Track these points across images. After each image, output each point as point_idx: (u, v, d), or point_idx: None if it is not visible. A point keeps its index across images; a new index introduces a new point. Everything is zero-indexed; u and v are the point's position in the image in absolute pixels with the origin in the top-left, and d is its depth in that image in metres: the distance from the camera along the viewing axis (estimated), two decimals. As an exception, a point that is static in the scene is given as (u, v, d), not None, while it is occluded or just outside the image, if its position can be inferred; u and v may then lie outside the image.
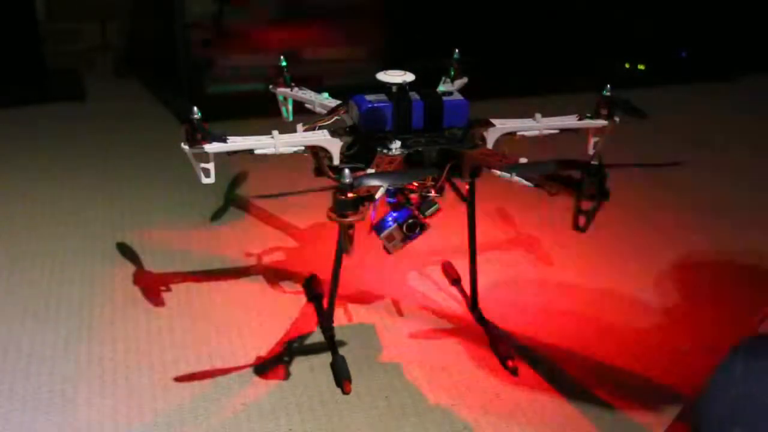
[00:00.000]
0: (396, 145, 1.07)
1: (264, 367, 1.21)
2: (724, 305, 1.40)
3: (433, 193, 1.08)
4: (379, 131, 1.09)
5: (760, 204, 1.82)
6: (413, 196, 1.08)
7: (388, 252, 1.10)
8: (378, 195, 0.97)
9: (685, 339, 1.31)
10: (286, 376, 1.20)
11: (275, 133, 1.09)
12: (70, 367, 1.20)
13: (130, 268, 1.47)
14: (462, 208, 1.23)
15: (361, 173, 0.98)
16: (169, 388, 1.16)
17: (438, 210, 1.09)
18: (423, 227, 1.08)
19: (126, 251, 1.53)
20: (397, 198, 1.09)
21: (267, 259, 1.52)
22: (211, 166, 1.05)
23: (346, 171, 0.91)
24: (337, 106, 1.19)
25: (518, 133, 1.19)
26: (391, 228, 1.07)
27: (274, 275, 1.46)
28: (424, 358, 1.25)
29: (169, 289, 1.41)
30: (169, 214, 1.70)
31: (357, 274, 1.40)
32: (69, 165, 1.94)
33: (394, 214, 1.08)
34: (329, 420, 1.11)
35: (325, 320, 1.25)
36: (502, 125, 1.17)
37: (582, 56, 2.54)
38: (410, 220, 1.07)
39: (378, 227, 1.08)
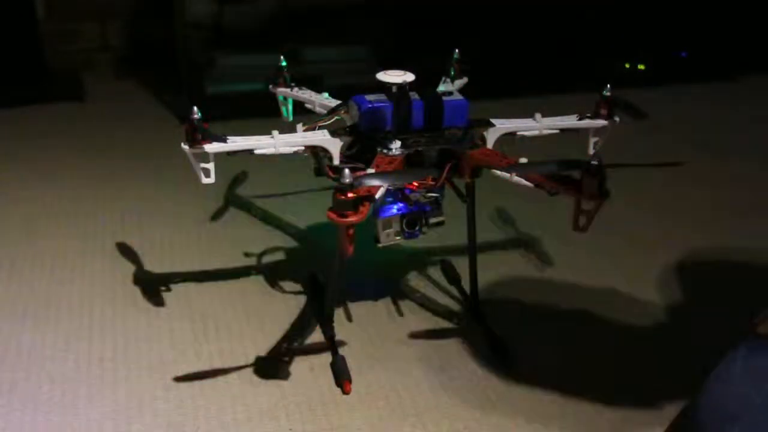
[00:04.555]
0: (396, 145, 1.07)
1: (264, 367, 1.21)
2: (724, 305, 1.40)
3: (433, 194, 1.08)
4: (379, 131, 1.09)
5: (760, 204, 1.82)
6: (413, 196, 1.08)
7: (377, 241, 1.09)
8: (378, 195, 0.97)
9: (686, 338, 1.32)
10: (286, 376, 1.20)
11: (275, 133, 1.09)
12: (70, 367, 1.20)
13: (130, 268, 1.47)
14: (462, 208, 1.23)
15: (361, 173, 0.98)
16: (169, 388, 1.16)
17: (442, 224, 1.08)
18: (421, 230, 1.08)
19: (126, 251, 1.53)
20: (401, 198, 1.08)
21: (267, 259, 1.52)
22: (211, 166, 1.05)
23: (346, 171, 0.91)
24: (337, 106, 1.19)
25: (518, 133, 1.19)
26: (393, 215, 1.07)
27: (274, 275, 1.46)
28: (424, 358, 1.25)
29: (169, 289, 1.41)
30: (169, 213, 1.70)
31: (357, 274, 1.40)
32: (69, 165, 1.94)
33: (401, 205, 1.07)
34: (329, 420, 1.11)
35: (325, 320, 1.25)
36: (502, 125, 1.17)
37: (582, 56, 2.54)
38: (413, 217, 1.07)
39: (381, 210, 1.07)
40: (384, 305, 1.38)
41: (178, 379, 1.18)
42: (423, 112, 1.11)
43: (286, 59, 1.32)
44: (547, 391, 1.18)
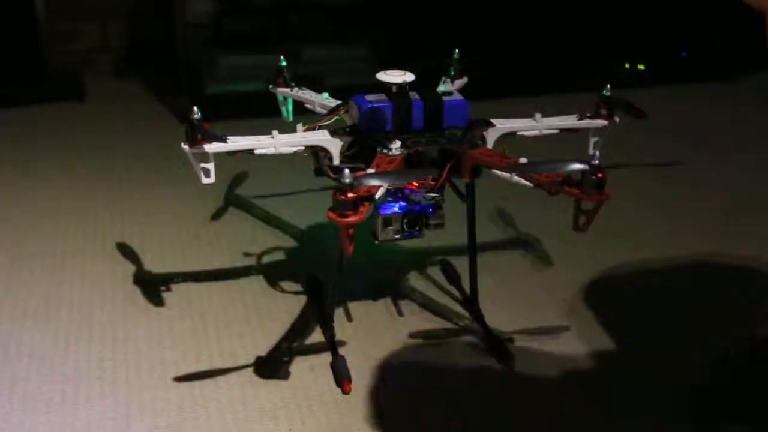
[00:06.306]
0: (396, 145, 1.07)
1: (264, 367, 1.21)
2: (724, 305, 1.40)
3: (433, 194, 1.07)
4: (379, 131, 1.09)
5: (761, 204, 1.82)
6: (414, 196, 1.08)
7: (375, 237, 1.08)
8: (378, 195, 0.97)
9: (686, 339, 1.31)
10: (286, 376, 1.20)
11: (275, 133, 1.09)
12: (70, 367, 1.20)
13: (130, 268, 1.47)
14: (462, 208, 1.23)
15: (361, 173, 0.97)
16: (169, 388, 1.16)
17: (440, 227, 1.08)
18: (420, 232, 1.08)
19: (126, 251, 1.53)
20: (401, 198, 1.08)
21: (267, 259, 1.52)
22: (211, 166, 1.05)
23: (346, 171, 0.91)
24: (337, 106, 1.19)
25: (518, 133, 1.19)
26: (394, 213, 1.06)
27: (274, 275, 1.46)
28: (424, 358, 1.25)
29: (169, 289, 1.41)
30: (169, 214, 1.70)
31: (357, 274, 1.40)
32: (69, 165, 1.94)
33: (403, 203, 1.07)
34: (329, 420, 1.11)
35: (326, 320, 1.25)
36: (502, 125, 1.17)
37: (582, 56, 2.54)
38: (414, 217, 1.06)
39: (382, 207, 1.07)
40: (384, 305, 1.38)
41: (178, 379, 1.18)
42: (423, 112, 1.11)
43: (286, 59, 1.32)
44: (547, 391, 1.18)
